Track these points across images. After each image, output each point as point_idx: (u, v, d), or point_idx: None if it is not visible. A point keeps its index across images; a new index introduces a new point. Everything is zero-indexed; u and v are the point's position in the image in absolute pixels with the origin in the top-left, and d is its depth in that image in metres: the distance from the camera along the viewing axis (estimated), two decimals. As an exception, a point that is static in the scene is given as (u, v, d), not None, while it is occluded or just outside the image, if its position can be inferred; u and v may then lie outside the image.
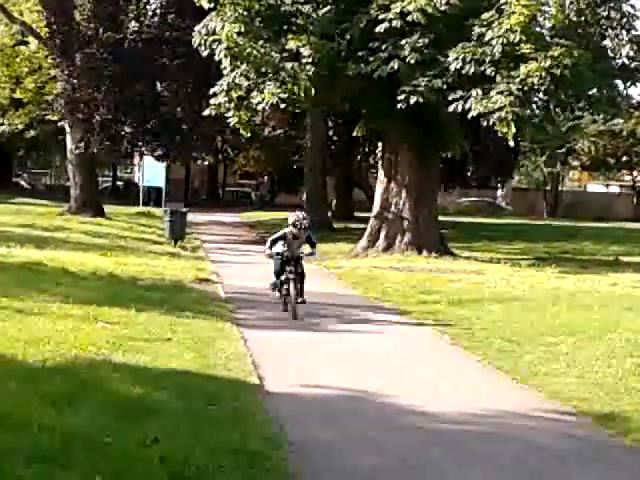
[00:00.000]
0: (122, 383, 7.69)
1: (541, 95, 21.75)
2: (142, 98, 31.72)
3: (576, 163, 64.21)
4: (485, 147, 41.13)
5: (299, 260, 13.00)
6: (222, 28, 21.22)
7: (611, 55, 22.55)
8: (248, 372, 8.87)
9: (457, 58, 20.18)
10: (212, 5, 21.88)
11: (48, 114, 38.29)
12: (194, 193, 59.80)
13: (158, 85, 33.85)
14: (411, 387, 8.84)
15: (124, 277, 15.60)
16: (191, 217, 28.64)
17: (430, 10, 20.12)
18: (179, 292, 14.58)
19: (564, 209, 60.11)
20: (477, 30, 20.45)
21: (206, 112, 23.11)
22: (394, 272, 19.66)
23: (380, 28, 20.77)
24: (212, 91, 22.33)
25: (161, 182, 44.87)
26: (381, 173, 24.96)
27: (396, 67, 20.69)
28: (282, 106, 22.56)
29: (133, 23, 33.94)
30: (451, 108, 20.53)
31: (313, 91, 21.40)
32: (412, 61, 20.57)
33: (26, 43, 37.75)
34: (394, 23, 20.51)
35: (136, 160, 55.94)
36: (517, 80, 19.87)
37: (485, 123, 20.39)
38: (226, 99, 22.02)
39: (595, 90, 22.26)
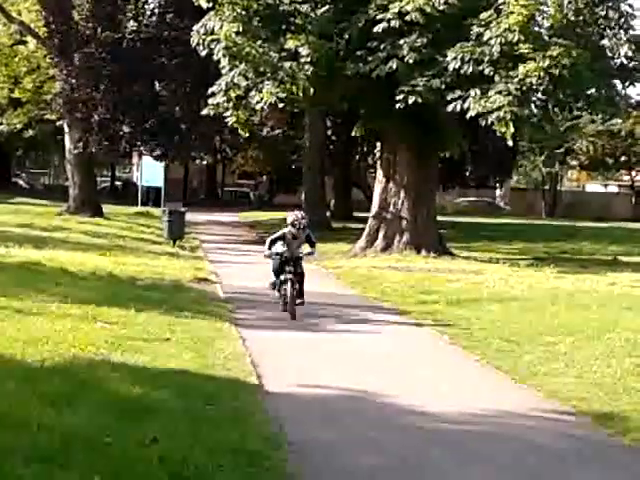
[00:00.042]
0: (121, 383, 7.68)
1: (539, 95, 21.74)
2: (140, 98, 31.70)
3: (575, 163, 64.22)
4: (484, 147, 41.14)
5: (298, 260, 12.98)
6: (220, 28, 21.22)
7: (609, 55, 22.56)
8: (247, 372, 8.86)
9: (455, 58, 20.18)
10: (210, 5, 21.88)
11: (46, 114, 38.34)
12: (193, 193, 59.77)
13: (157, 85, 33.81)
14: (410, 387, 8.84)
15: (123, 277, 15.59)
16: (190, 217, 28.62)
17: (429, 10, 20.13)
18: (178, 292, 14.58)
19: (563, 209, 60.13)
20: (476, 30, 20.45)
21: (204, 112, 23.11)
22: (393, 272, 19.66)
23: (378, 28, 20.77)
24: (210, 91, 22.31)
25: (160, 182, 44.83)
26: (380, 173, 24.95)
27: (395, 67, 20.70)
28: (280, 106, 22.57)
29: (131, 23, 33.90)
30: (450, 108, 20.53)
31: (312, 91, 21.40)
32: (411, 61, 20.57)
33: (24, 43, 37.74)
34: (392, 23, 20.51)
35: (135, 160, 55.83)
36: (515, 80, 19.87)
37: (483, 123, 20.39)
38: (224, 99, 22.01)
39: (593, 90, 22.25)
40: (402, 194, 23.92)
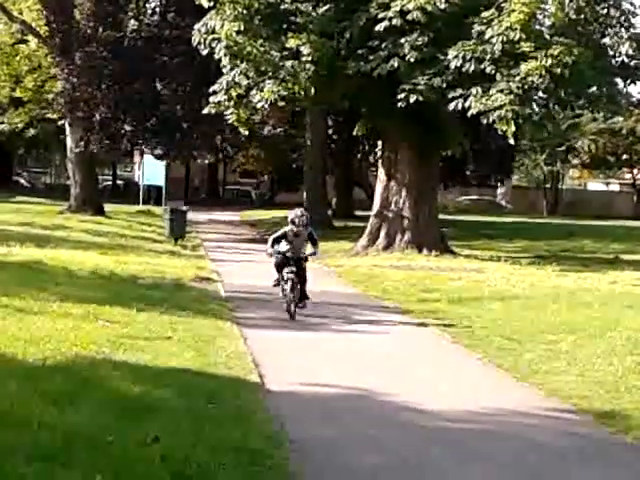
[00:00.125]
0: (123, 382, 7.69)
1: (541, 93, 21.73)
2: (142, 96, 31.71)
3: (576, 161, 64.17)
4: (485, 145, 41.12)
5: (300, 261, 12.91)
6: (222, 27, 21.22)
7: (611, 53, 22.57)
8: (248, 370, 8.87)
9: (457, 56, 20.16)
10: (212, 4, 21.88)
11: (48, 113, 38.32)
12: (194, 192, 59.79)
13: (158, 83, 33.81)
14: (411, 386, 8.84)
15: (124, 276, 15.60)
16: (191, 216, 28.65)
17: (430, 8, 20.11)
18: (179, 291, 14.58)
19: (564, 207, 60.09)
20: (477, 28, 20.44)
21: (206, 110, 23.14)
22: (394, 270, 19.66)
23: (380, 26, 20.76)
24: (212, 89, 22.33)
25: (161, 181, 44.83)
26: (381, 172, 24.96)
27: (396, 65, 20.69)
28: (282, 104, 22.58)
29: (133, 22, 33.96)
30: (451, 106, 20.52)
31: (313, 90, 21.41)
32: (412, 59, 20.56)
33: (26, 42, 37.72)
34: (394, 21, 20.50)
35: (136, 159, 55.93)
36: (517, 78, 19.86)
37: (485, 121, 20.39)
38: (226, 97, 22.02)
39: (595, 88, 22.25)
40: (403, 193, 23.93)
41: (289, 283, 12.61)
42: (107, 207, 34.70)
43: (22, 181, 61.79)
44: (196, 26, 22.23)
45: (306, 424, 7.25)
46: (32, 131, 47.91)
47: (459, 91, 20.37)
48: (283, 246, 12.88)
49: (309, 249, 13.12)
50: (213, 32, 21.50)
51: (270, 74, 21.41)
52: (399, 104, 20.67)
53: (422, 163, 23.98)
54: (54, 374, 7.57)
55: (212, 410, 7.10)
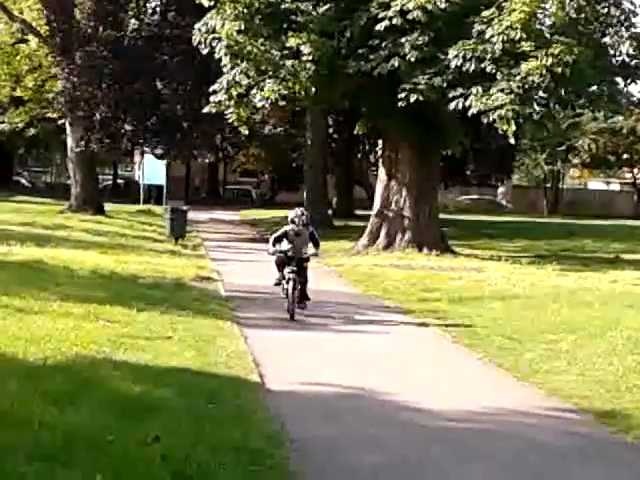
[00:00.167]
0: (123, 381, 7.69)
1: (541, 92, 21.72)
2: (142, 96, 31.71)
3: (576, 161, 64.10)
4: (486, 145, 41.11)
5: (301, 262, 12.89)
6: (222, 26, 21.23)
7: (611, 52, 22.58)
8: (249, 370, 8.86)
9: (457, 56, 20.16)
10: (212, 3, 21.88)
11: (48, 112, 38.31)
12: (195, 191, 59.79)
13: (158, 83, 33.82)
14: (412, 385, 8.84)
15: (125, 275, 15.60)
16: (192, 215, 28.64)
17: (430, 8, 20.11)
18: (180, 290, 14.58)
19: (565, 207, 60.08)
20: (477, 27, 20.43)
21: (206, 110, 23.16)
22: (395, 270, 19.66)
23: (380, 26, 20.76)
24: (212, 89, 22.34)
25: (161, 180, 44.79)
26: (382, 171, 24.96)
27: (396, 65, 20.69)
28: (282, 104, 22.58)
29: (133, 21, 33.94)
30: (451, 106, 20.52)
31: (313, 89, 21.41)
32: (412, 59, 20.56)
33: (26, 41, 37.69)
34: (394, 21, 20.50)
35: (136, 158, 55.87)
36: (517, 78, 19.86)
37: (485, 121, 20.38)
38: (226, 97, 22.03)
39: (595, 87, 22.25)
40: (404, 192, 23.93)
41: (290, 283, 12.59)
42: (107, 206, 34.70)
43: (22, 180, 61.78)
44: (196, 25, 22.24)
45: (306, 424, 7.24)
46: (32, 130, 47.89)
47: (459, 90, 20.37)
48: (284, 245, 12.88)
49: (310, 249, 13.10)
50: (213, 31, 21.51)
51: (270, 73, 21.42)
52: (399, 103, 20.66)
53: (422, 162, 23.98)
54: (54, 374, 7.57)
55: (212, 410, 7.10)
